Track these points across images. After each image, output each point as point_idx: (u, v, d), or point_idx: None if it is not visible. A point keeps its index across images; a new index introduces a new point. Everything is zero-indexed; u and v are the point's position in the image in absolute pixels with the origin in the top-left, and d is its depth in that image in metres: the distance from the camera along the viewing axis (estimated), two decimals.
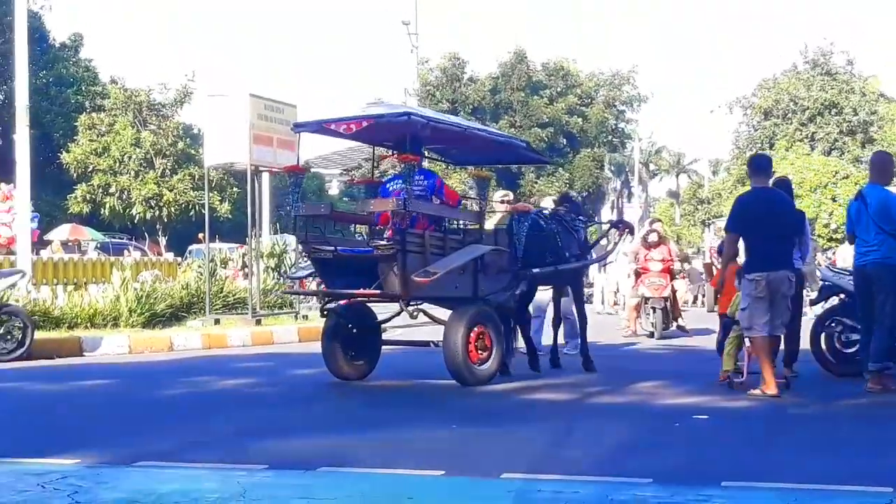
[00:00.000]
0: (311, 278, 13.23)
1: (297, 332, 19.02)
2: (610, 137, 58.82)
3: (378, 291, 11.64)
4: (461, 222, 12.68)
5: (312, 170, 35.81)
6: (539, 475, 6.71)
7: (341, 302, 12.84)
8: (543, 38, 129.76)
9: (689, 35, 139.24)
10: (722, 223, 33.92)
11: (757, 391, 10.83)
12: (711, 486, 6.42)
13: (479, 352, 11.75)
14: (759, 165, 11.59)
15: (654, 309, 19.56)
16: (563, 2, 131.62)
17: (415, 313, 12.07)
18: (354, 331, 12.61)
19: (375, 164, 14.10)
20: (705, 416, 9.64)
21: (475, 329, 11.69)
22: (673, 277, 20.28)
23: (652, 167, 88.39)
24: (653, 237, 20.39)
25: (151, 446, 7.94)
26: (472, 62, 58.00)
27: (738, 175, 54.64)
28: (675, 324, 20.23)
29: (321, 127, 12.12)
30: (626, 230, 15.36)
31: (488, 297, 12.27)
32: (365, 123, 11.79)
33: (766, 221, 11.04)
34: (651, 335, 19.49)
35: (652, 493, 6.27)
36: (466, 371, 11.60)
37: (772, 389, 10.72)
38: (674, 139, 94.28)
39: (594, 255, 15.97)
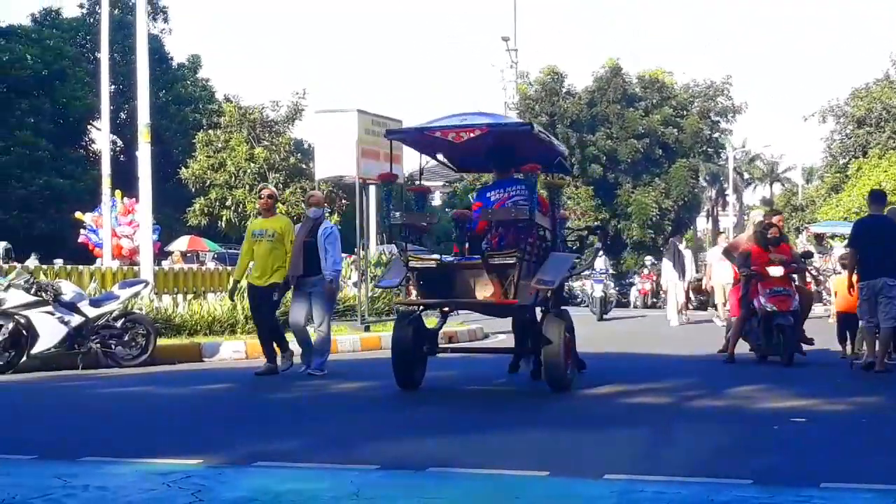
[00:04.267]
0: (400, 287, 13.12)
1: None
2: (704, 147, 58.08)
3: (493, 301, 11.27)
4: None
5: (417, 182, 36.02)
6: (641, 476, 6.66)
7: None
8: (638, 51, 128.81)
9: (782, 44, 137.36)
10: (815, 229, 33.48)
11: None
12: (811, 488, 6.32)
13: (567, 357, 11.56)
14: (877, 197, 14.27)
15: (780, 328, 14.65)
16: (658, 15, 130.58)
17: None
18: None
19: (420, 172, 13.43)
20: (804, 419, 9.49)
21: (566, 335, 11.50)
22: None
23: (746, 176, 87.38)
24: (773, 232, 15.29)
25: (269, 447, 8.03)
26: (570, 76, 57.64)
27: (831, 182, 53.72)
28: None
29: (422, 134, 11.72)
30: (605, 237, 14.73)
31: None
32: (478, 132, 11.37)
33: (876, 242, 13.50)
34: (762, 358, 15.18)
35: (752, 494, 6.19)
36: (565, 377, 11.46)
37: (879, 366, 13.35)
38: (767, 147, 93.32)
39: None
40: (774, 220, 15.83)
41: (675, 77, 57.50)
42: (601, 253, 26.90)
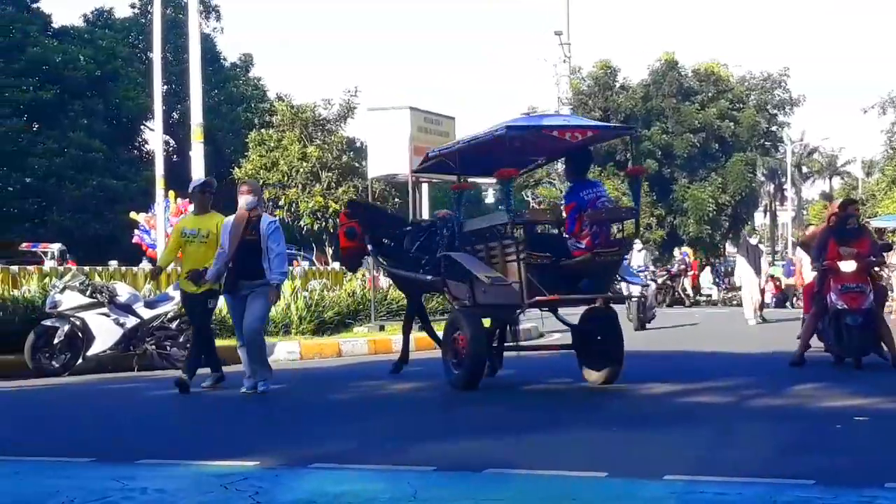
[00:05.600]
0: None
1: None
2: (762, 141, 57.61)
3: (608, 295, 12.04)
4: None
5: (469, 179, 35.94)
6: (701, 477, 6.61)
7: None
8: (694, 43, 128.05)
9: (840, 34, 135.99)
10: (876, 223, 33.03)
11: None
12: (875, 487, 6.25)
13: None
14: None
15: (848, 328, 13.64)
16: (713, 6, 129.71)
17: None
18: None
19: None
20: (866, 418, 9.39)
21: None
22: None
23: (805, 170, 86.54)
24: (852, 224, 14.15)
25: (324, 448, 8.07)
26: (624, 70, 57.38)
27: (892, 176, 53.10)
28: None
29: (539, 132, 11.68)
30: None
31: None
32: (590, 133, 12.32)
33: None
34: (839, 360, 14.15)
35: (815, 494, 6.14)
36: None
37: None
38: (826, 140, 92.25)
39: None
40: (850, 210, 14.41)
41: (730, 69, 57.10)
42: (639, 246, 25.01)
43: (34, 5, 50.35)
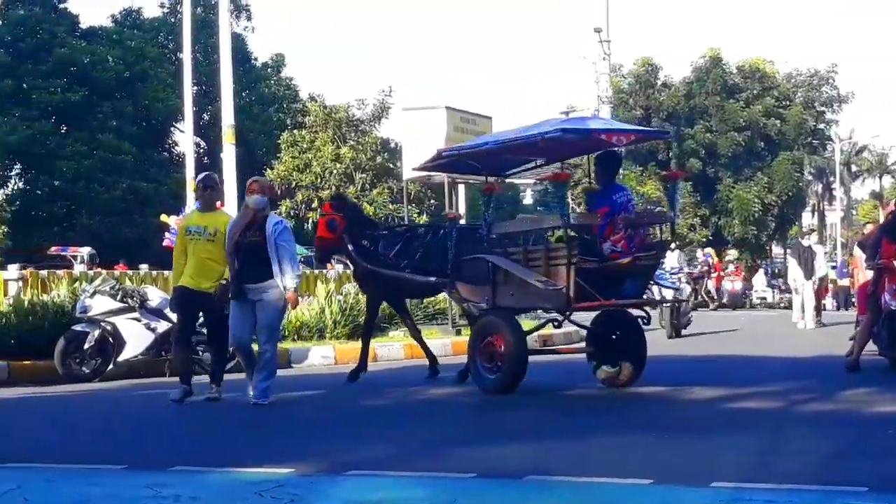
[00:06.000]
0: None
1: None
2: (809, 139, 57.32)
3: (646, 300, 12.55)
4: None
5: (507, 180, 35.91)
6: (749, 484, 6.56)
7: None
8: (738, 39, 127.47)
9: (890, 30, 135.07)
10: None
11: None
12: None
13: None
14: None
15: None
16: (759, 1, 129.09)
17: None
18: None
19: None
20: None
21: None
22: None
23: (854, 168, 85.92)
24: None
25: (362, 455, 8.08)
26: (666, 67, 57.15)
27: None
28: None
29: (591, 136, 11.77)
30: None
31: None
32: (633, 137, 12.76)
33: None
34: (894, 363, 13.99)
35: (868, 501, 6.10)
36: None
37: None
38: (876, 138, 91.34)
39: None
40: None
41: (776, 66, 56.84)
42: (673, 245, 22.67)
43: (61, 6, 50.70)
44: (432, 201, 39.42)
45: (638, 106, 53.66)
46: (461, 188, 24.05)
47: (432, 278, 13.40)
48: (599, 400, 11.86)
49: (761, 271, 44.50)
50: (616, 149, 12.43)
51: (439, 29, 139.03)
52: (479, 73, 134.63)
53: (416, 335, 14.60)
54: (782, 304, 35.17)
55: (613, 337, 12.50)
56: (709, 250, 41.90)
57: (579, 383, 12.91)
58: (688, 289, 24.80)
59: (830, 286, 34.46)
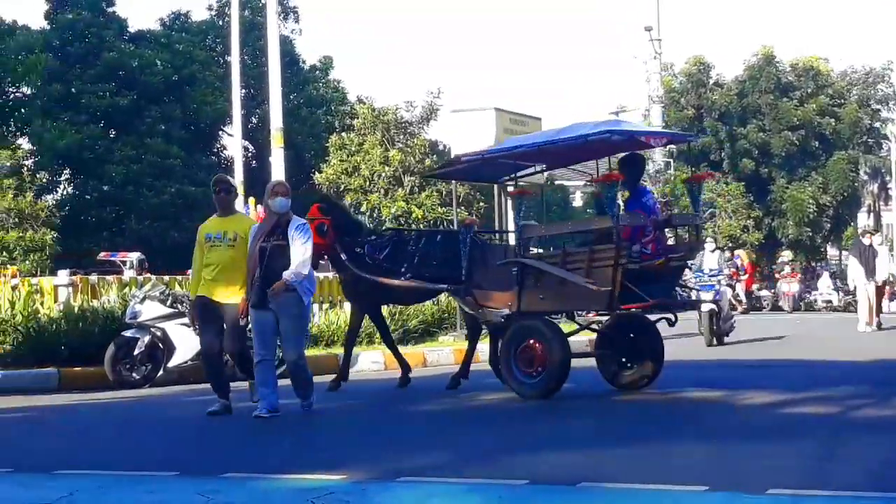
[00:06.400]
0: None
1: None
2: (864, 138, 56.72)
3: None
4: None
5: (556, 182, 35.79)
6: (807, 491, 6.52)
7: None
8: (792, 37, 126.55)
9: None
10: None
11: None
12: None
13: None
14: None
15: None
16: None
17: None
18: None
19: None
20: None
21: None
22: None
23: None
24: None
25: (412, 461, 8.10)
26: (718, 66, 56.86)
27: None
28: None
29: (635, 140, 12.00)
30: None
31: None
32: (665, 140, 13.43)
33: None
34: None
35: None
36: None
37: None
38: None
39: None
40: None
41: (831, 64, 56.36)
42: (712, 246, 22.45)
43: (110, 10, 51.06)
44: (482, 204, 39.41)
45: (689, 105, 53.37)
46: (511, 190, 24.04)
47: (443, 286, 13.48)
48: (651, 406, 11.83)
49: (826, 273, 43.80)
50: (641, 151, 12.72)
51: (488, 30, 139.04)
52: (528, 74, 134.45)
53: (390, 342, 14.85)
54: (850, 308, 34.53)
55: (629, 338, 12.68)
56: (739, 252, 41.44)
57: (631, 389, 12.85)
58: (728, 292, 23.04)
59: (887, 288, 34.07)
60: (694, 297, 18.50)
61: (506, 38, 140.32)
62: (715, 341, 20.81)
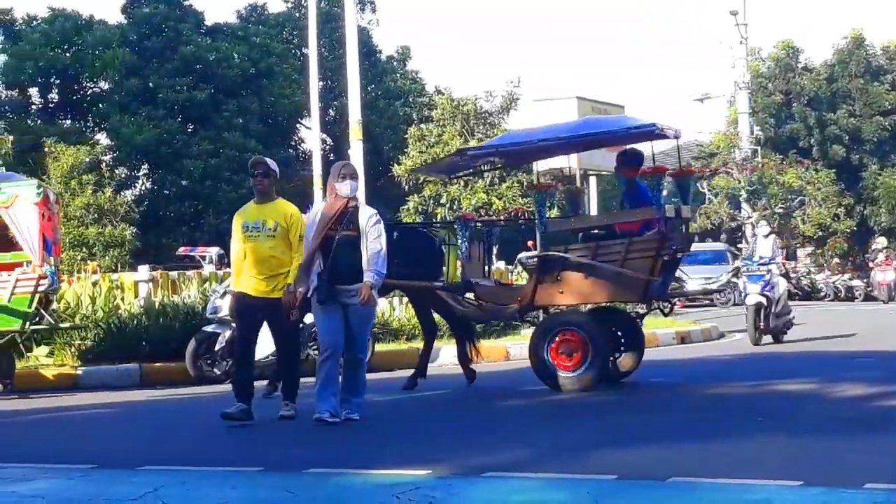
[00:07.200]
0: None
1: None
2: None
3: None
4: None
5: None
6: None
7: None
8: (882, 19, 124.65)
9: None
10: None
11: None
12: None
13: None
14: None
15: None
16: None
17: None
18: None
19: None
20: None
21: None
22: None
23: None
24: None
25: (496, 456, 8.11)
26: (807, 50, 56.10)
27: None
28: None
29: (653, 131, 12.50)
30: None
31: None
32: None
33: None
34: None
35: None
36: None
37: None
38: None
39: None
40: None
41: None
42: (766, 231, 20.11)
43: (186, 3, 51.58)
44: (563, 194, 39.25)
45: (777, 91, 52.81)
46: (592, 181, 24.01)
47: (439, 283, 13.30)
48: (733, 400, 11.68)
49: None
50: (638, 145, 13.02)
51: (568, 17, 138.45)
52: (610, 62, 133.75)
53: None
54: None
55: (611, 332, 12.84)
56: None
57: (719, 382, 12.77)
58: (783, 283, 19.43)
59: None
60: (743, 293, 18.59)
61: (586, 25, 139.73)
62: (770, 339, 18.36)
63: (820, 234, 47.50)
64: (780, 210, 45.26)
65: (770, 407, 10.91)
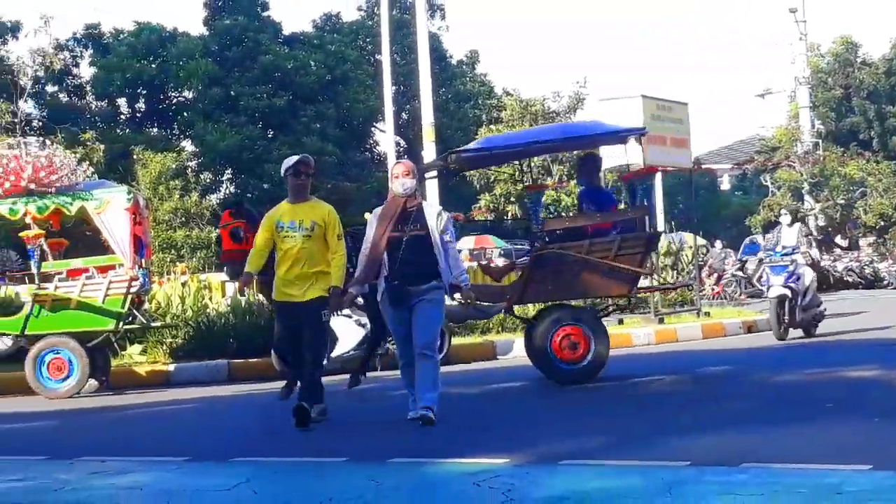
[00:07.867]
0: None
1: (701, 329, 18.81)
2: None
3: None
4: None
5: (704, 166, 35.28)
6: None
7: None
8: None
9: None
10: None
11: None
12: None
13: None
14: None
15: None
16: None
17: None
18: None
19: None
20: None
21: None
22: None
23: None
24: None
25: (571, 445, 8.11)
26: (865, 45, 55.55)
27: None
28: None
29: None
30: None
31: None
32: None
33: None
34: None
35: None
36: None
37: None
38: None
39: None
40: None
41: None
42: (788, 219, 18.00)
43: (265, 14, 52.00)
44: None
45: (837, 85, 52.25)
46: (658, 176, 23.79)
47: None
48: (804, 385, 11.56)
49: None
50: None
51: (631, 16, 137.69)
52: (672, 62, 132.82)
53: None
54: None
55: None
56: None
57: (791, 370, 12.65)
58: (810, 273, 17.23)
59: None
60: (766, 284, 17.35)
61: (649, 25, 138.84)
62: (784, 334, 16.56)
63: (882, 223, 46.91)
64: (843, 201, 44.79)
65: (836, 393, 10.79)
